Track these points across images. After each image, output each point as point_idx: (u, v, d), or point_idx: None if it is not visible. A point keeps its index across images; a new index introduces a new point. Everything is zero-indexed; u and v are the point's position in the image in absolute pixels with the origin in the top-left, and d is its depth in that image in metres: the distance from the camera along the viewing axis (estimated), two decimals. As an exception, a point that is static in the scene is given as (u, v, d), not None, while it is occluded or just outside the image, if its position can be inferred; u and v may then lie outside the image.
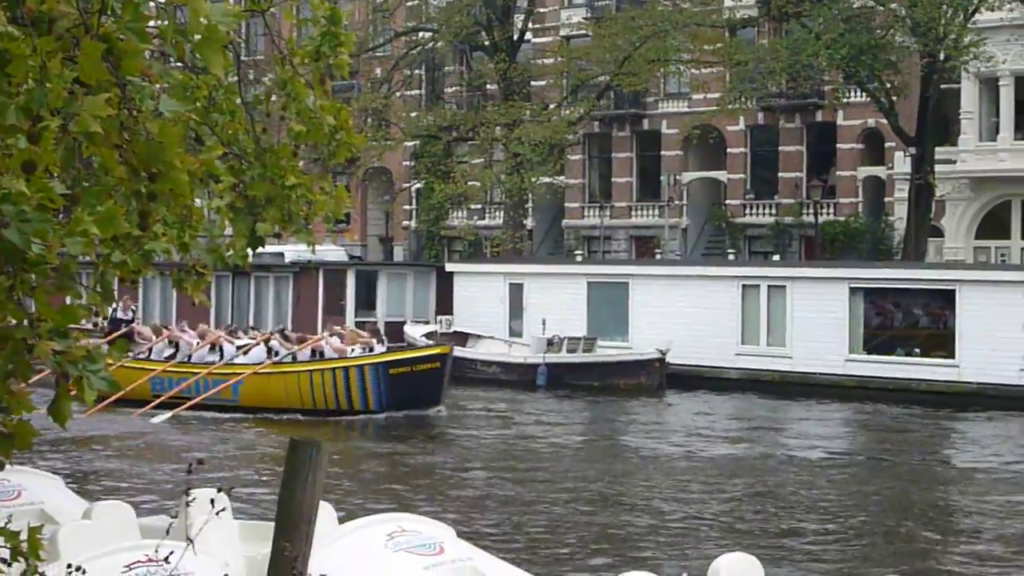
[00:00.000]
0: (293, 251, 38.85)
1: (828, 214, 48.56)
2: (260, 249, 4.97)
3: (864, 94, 42.26)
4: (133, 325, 31.04)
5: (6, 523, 4.06)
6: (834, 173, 50.16)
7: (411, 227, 59.52)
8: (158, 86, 3.78)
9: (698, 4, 43.96)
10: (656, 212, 53.33)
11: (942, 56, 38.47)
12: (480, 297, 38.50)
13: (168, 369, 27.21)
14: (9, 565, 3.95)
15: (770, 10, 42.42)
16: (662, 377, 33.36)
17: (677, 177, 52.89)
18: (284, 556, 5.57)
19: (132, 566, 7.23)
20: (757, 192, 52.34)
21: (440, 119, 49.27)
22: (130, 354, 28.13)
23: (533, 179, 44.80)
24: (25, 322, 3.47)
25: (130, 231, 3.72)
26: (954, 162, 44.97)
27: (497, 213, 53.16)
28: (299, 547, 5.59)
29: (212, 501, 5.80)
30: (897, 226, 46.36)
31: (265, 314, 39.80)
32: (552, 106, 47.24)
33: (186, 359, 27.69)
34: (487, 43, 48.35)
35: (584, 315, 36.55)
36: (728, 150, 52.53)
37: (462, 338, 36.48)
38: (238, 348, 27.43)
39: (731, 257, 47.15)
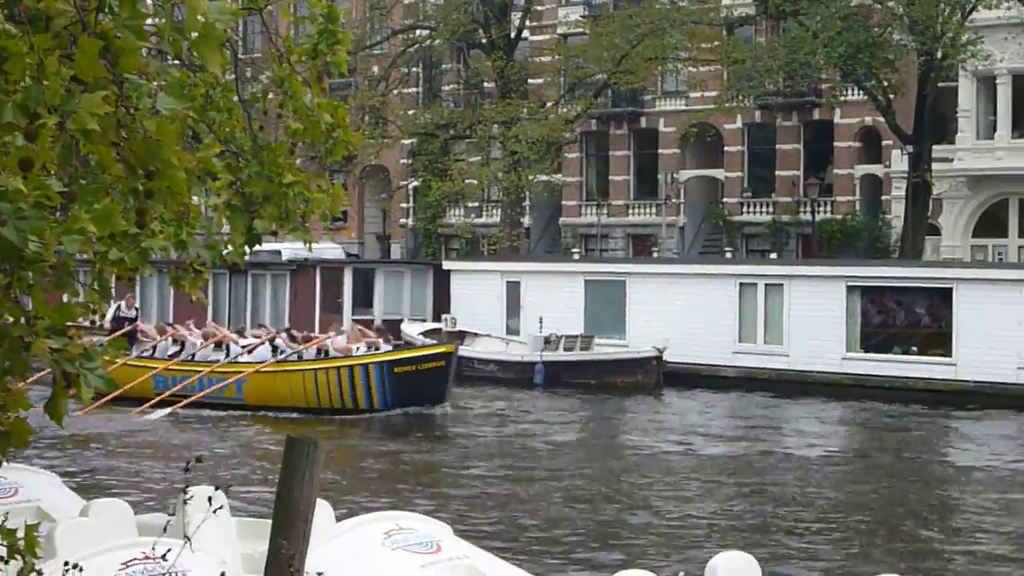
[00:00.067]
0: (290, 249, 38.84)
1: (825, 212, 48.57)
2: (257, 247, 4.96)
3: (861, 92, 42.28)
4: (137, 323, 30.99)
5: (3, 521, 4.06)
6: (831, 171, 50.17)
7: (408, 225, 59.50)
8: (155, 84, 3.78)
9: (696, 2, 43.98)
10: (653, 210, 53.34)
11: (939, 54, 38.48)
12: (477, 295, 38.49)
13: (171, 367, 27.20)
14: (6, 563, 3.95)
15: (767, 8, 42.40)
16: (659, 375, 33.37)
17: (674, 175, 52.91)
18: (281, 554, 5.57)
19: (129, 563, 7.23)
20: (754, 190, 52.36)
21: (437, 117, 49.24)
22: (133, 352, 28.19)
23: (530, 177, 44.78)
24: (22, 320, 3.47)
25: (127, 229, 3.72)
26: (951, 160, 44.99)
27: (494, 211, 53.16)
28: (296, 545, 5.59)
29: (210, 499, 5.81)
30: (894, 224, 46.37)
31: (262, 312, 39.78)
32: (549, 104, 47.22)
33: (190, 357, 27.69)
34: (484, 41, 48.32)
35: (581, 313, 36.55)
36: (725, 148, 52.54)
37: (459, 336, 36.47)
38: (242, 347, 27.44)
39: (728, 255, 47.18)
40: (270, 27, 6.66)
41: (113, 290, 4.05)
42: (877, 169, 49.01)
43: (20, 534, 3.90)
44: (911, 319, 33.15)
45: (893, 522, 16.61)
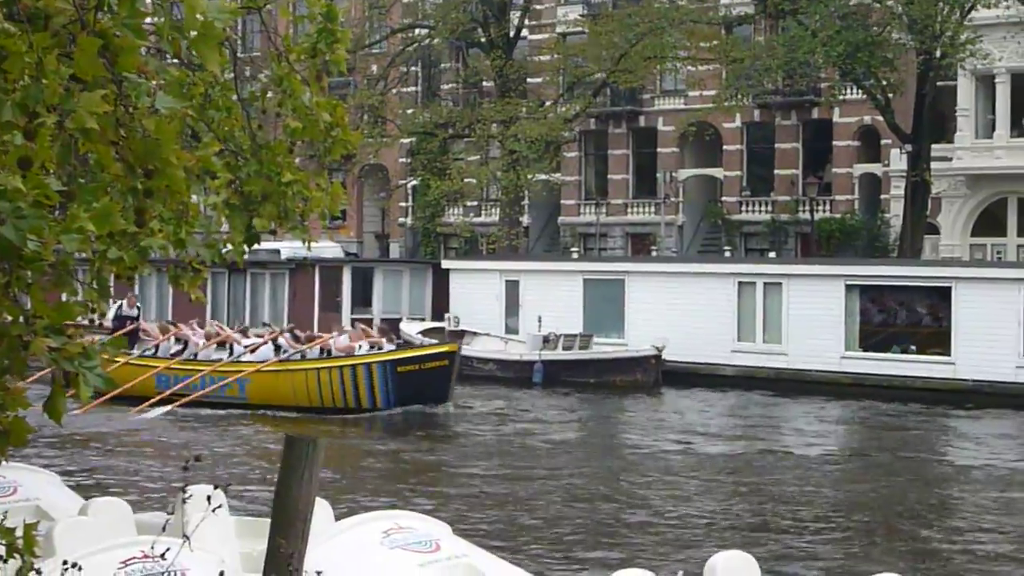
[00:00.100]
0: (289, 248, 38.86)
1: (824, 211, 48.59)
2: (256, 246, 4.96)
3: (860, 91, 42.27)
4: (139, 322, 30.99)
5: (2, 519, 4.06)
6: (830, 170, 50.19)
7: (407, 224, 59.50)
8: (154, 83, 3.78)
9: (694, 1, 44.02)
10: (652, 209, 53.33)
11: (938, 53, 38.48)
12: (476, 294, 38.49)
13: (172, 366, 27.18)
14: (5, 562, 3.95)
15: (766, 7, 42.41)
16: (658, 374, 33.37)
17: (673, 174, 52.91)
18: (280, 553, 5.57)
19: (128, 562, 7.23)
20: (753, 189, 52.37)
21: (436, 116, 49.25)
22: (135, 351, 28.22)
23: (529, 176, 44.81)
24: (21, 319, 3.47)
25: (126, 227, 3.72)
26: (950, 159, 45.02)
27: (493, 210, 53.15)
28: (295, 544, 5.59)
29: (208, 498, 5.81)
30: (893, 223, 46.38)
31: (261, 311, 39.80)
32: (548, 103, 47.23)
33: (193, 357, 27.68)
34: (483, 40, 48.32)
35: (580, 312, 36.54)
36: (724, 147, 52.55)
37: (459, 335, 36.45)
38: (245, 347, 27.43)
39: (727, 254, 47.19)
40: (269, 26, 6.67)
41: (112, 289, 4.05)
42: (876, 168, 49.02)
43: (19, 533, 3.90)
44: (910, 318, 33.14)
45: (892, 521, 16.61)
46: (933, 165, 41.53)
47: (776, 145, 51.48)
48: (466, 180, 46.44)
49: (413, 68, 54.84)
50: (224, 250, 4.84)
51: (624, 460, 21.92)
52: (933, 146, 41.83)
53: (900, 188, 44.11)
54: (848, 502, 17.93)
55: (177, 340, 28.52)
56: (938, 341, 31.74)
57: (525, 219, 52.47)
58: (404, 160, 56.49)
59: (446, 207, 54.44)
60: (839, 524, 16.23)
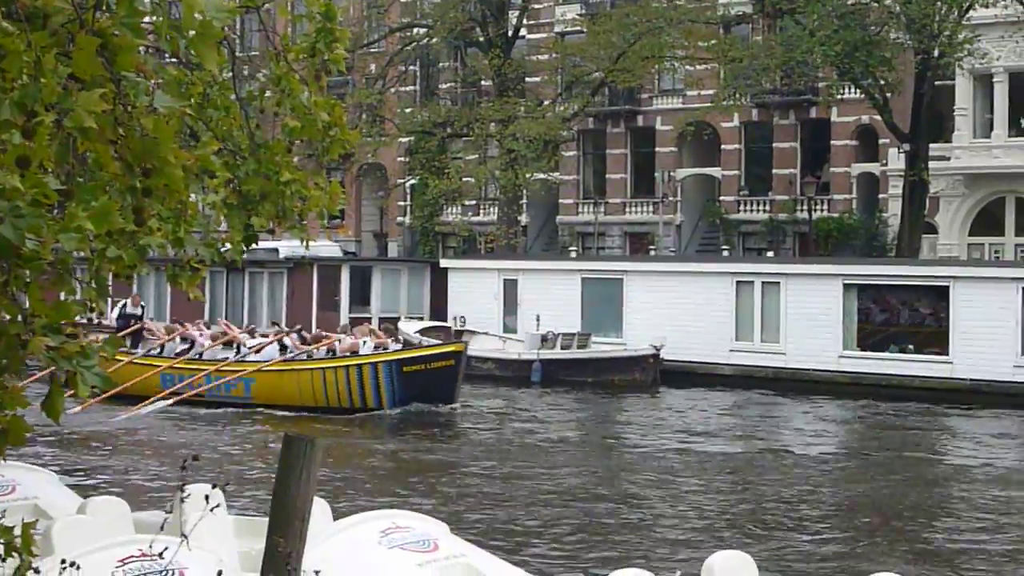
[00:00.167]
0: (287, 247, 38.86)
1: (822, 210, 48.59)
2: (254, 245, 4.97)
3: (858, 91, 42.27)
4: (143, 321, 31.00)
5: (0, 518, 4.06)
6: (828, 170, 50.18)
7: (405, 223, 59.49)
8: (153, 82, 3.78)
9: (692, 1, 44.00)
10: (650, 208, 53.34)
11: (936, 53, 38.49)
12: (474, 293, 38.50)
13: (176, 365, 27.15)
14: (3, 560, 3.94)
15: (764, 7, 42.43)
16: (656, 373, 33.38)
17: (671, 173, 52.92)
18: (278, 552, 5.58)
19: (126, 561, 7.23)
20: (751, 188, 52.38)
21: (435, 115, 49.25)
22: (140, 350, 28.23)
23: (527, 175, 44.81)
24: (19, 318, 3.47)
25: (125, 226, 3.71)
26: (948, 159, 45.04)
27: (491, 209, 53.15)
28: (293, 543, 5.59)
29: (207, 497, 5.81)
30: (891, 223, 46.38)
31: (260, 310, 39.81)
32: (546, 102, 47.23)
33: (198, 356, 27.65)
34: (482, 39, 48.33)
35: (578, 311, 36.55)
36: (722, 147, 52.54)
37: (457, 335, 36.47)
38: (249, 347, 27.41)
39: (725, 253, 47.18)
40: (268, 25, 6.67)
41: (111, 288, 4.05)
42: (874, 167, 49.03)
43: (17, 532, 3.90)
44: (908, 317, 33.16)
45: (890, 520, 16.61)
46: (931, 164, 41.55)
47: (774, 144, 51.48)
48: (464, 179, 46.45)
49: (411, 67, 54.84)
50: (223, 249, 4.84)
51: (622, 459, 21.92)
52: (931, 145, 41.84)
53: (898, 187, 44.12)
54: (846, 501, 17.94)
55: (183, 340, 28.51)
56: (936, 340, 31.76)
57: (523, 218, 52.48)
58: (402, 159, 56.48)
59: (444, 206, 54.45)
60: (837, 523, 16.23)
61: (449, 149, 50.88)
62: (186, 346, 28.28)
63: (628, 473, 20.07)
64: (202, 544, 7.15)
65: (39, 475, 10.70)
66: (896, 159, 45.10)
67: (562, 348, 34.82)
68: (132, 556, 7.27)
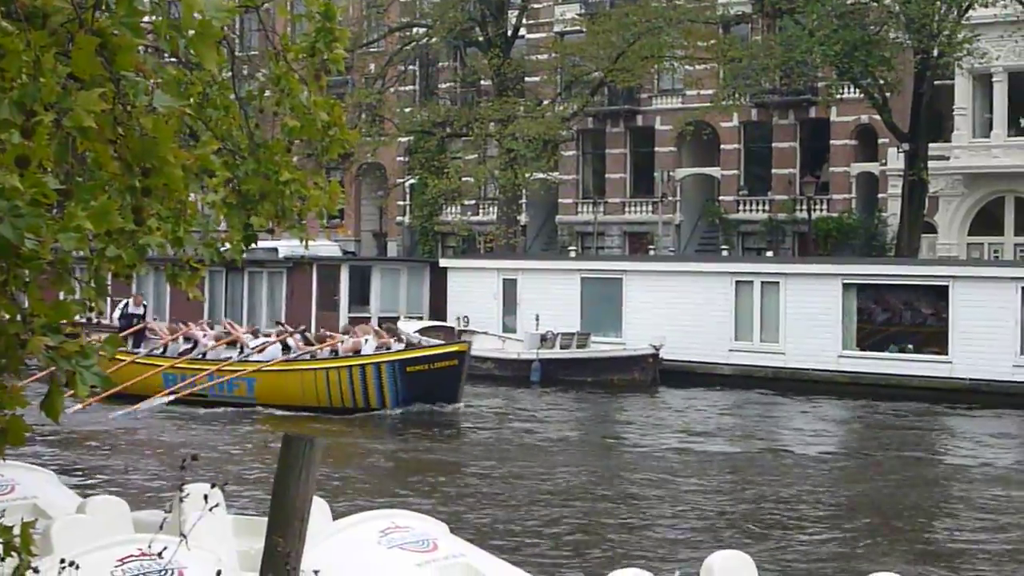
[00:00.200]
0: (287, 246, 38.86)
1: (821, 210, 48.58)
2: (254, 244, 4.96)
3: (858, 90, 42.28)
4: (146, 321, 30.99)
5: (-1, 518, 4.06)
6: (827, 169, 50.18)
7: (405, 223, 59.49)
8: (152, 81, 3.78)
9: (692, 1, 44.00)
10: (650, 208, 53.34)
11: (936, 52, 38.49)
12: (474, 293, 38.50)
13: (178, 365, 27.13)
14: (2, 560, 3.94)
15: (764, 6, 42.43)
16: (656, 373, 33.38)
17: (671, 173, 52.92)
18: (277, 552, 5.57)
19: (125, 560, 7.22)
20: (750, 188, 52.38)
21: (434, 115, 49.26)
22: (143, 350, 28.21)
23: (527, 175, 44.81)
24: (18, 317, 3.46)
25: (124, 226, 3.71)
26: (947, 158, 45.04)
27: (491, 209, 53.15)
28: (292, 543, 5.59)
29: (206, 496, 5.81)
30: (890, 222, 46.39)
31: (259, 309, 39.82)
32: (546, 102, 47.23)
33: (201, 356, 27.62)
34: (481, 39, 48.33)
35: (578, 311, 36.55)
36: (722, 146, 52.54)
37: (457, 335, 36.46)
38: (252, 347, 27.39)
39: (724, 253, 47.20)
40: (267, 25, 6.67)
41: (110, 288, 4.05)
42: (873, 167, 49.03)
43: (16, 531, 3.90)
44: (907, 317, 33.16)
45: (890, 520, 16.61)
46: (930, 164, 41.56)
47: (773, 144, 51.48)
48: (464, 179, 46.44)
49: (411, 67, 54.85)
50: (222, 248, 4.84)
51: (621, 459, 21.91)
52: (930, 145, 41.85)
53: (897, 187, 44.12)
54: (845, 501, 17.94)
55: (186, 340, 28.49)
56: (935, 340, 31.77)
57: (523, 218, 52.48)
58: (402, 159, 56.49)
59: (444, 206, 54.44)
60: (836, 523, 16.23)
61: (448, 149, 50.88)
62: (189, 346, 28.25)
63: (628, 473, 20.06)
64: (201, 544, 7.14)
65: (38, 474, 10.69)
66: (895, 159, 45.10)
67: (561, 348, 34.81)
68: (131, 555, 7.26)
